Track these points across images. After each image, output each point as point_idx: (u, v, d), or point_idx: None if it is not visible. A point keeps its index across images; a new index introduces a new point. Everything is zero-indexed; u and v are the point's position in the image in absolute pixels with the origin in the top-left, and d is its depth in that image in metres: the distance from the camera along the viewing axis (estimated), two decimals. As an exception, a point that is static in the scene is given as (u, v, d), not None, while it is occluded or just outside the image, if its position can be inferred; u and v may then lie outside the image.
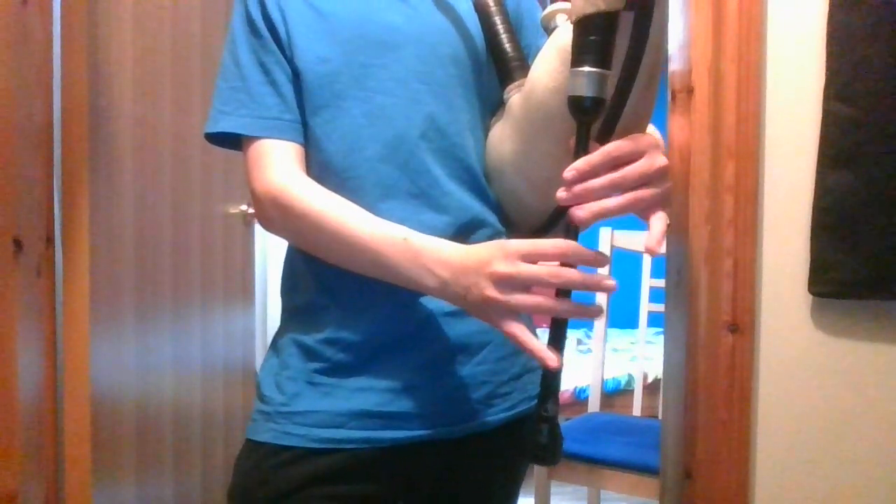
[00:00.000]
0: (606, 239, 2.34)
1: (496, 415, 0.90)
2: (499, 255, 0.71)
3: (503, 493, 0.98)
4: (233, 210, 2.04)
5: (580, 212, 0.69)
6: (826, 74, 1.16)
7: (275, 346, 0.92)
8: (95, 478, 1.29)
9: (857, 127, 1.13)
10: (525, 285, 0.70)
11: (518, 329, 0.71)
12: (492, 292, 0.70)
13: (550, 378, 0.73)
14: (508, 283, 0.70)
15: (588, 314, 0.71)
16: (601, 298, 2.32)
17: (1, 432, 1.09)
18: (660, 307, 1.99)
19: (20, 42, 1.12)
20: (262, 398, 0.89)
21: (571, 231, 0.70)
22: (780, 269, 1.21)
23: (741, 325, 1.21)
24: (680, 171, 1.26)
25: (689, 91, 1.23)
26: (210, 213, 1.89)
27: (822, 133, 1.17)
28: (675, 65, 1.28)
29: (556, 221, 0.84)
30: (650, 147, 0.71)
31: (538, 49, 0.90)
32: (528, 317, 0.84)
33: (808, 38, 1.19)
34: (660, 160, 0.71)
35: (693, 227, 1.23)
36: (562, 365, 0.71)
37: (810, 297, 1.20)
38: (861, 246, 1.14)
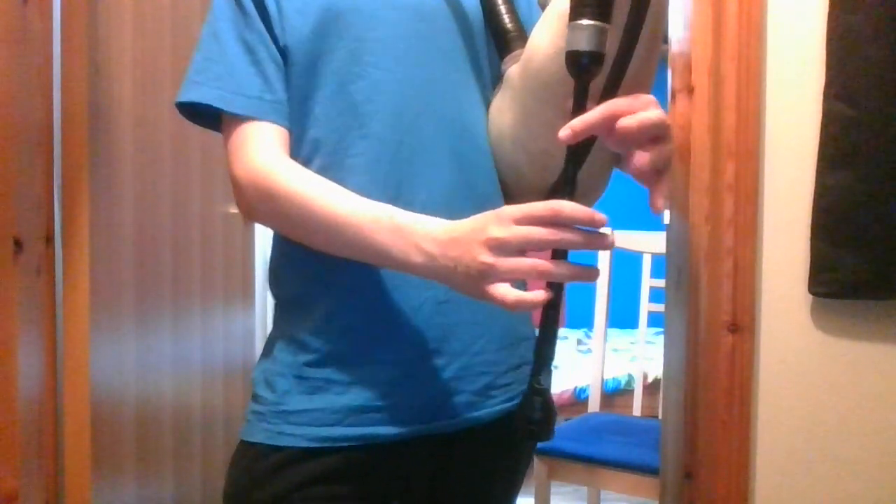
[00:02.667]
0: (606, 239, 2.33)
1: (495, 406, 0.88)
2: (492, 220, 0.68)
3: (503, 486, 0.96)
4: (233, 210, 2.04)
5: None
6: (826, 74, 1.16)
7: (267, 341, 0.91)
8: (95, 478, 1.29)
9: (857, 127, 1.13)
10: (521, 249, 0.68)
11: (507, 290, 0.68)
12: (487, 257, 0.68)
13: (544, 349, 0.70)
14: (504, 247, 0.67)
15: (587, 276, 0.67)
16: (601, 298, 2.32)
17: (1, 432, 1.09)
18: (660, 307, 1.99)
19: (20, 42, 1.12)
20: (255, 398, 0.87)
21: (564, 193, 0.68)
22: (780, 269, 1.21)
23: (741, 325, 1.21)
24: (680, 171, 1.26)
25: (689, 91, 1.23)
26: (210, 213, 1.89)
27: (822, 133, 1.17)
28: (675, 65, 1.28)
29: (555, 196, 0.83)
30: (650, 104, 0.67)
31: (533, 25, 0.89)
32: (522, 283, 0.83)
33: (808, 38, 1.19)
34: (659, 113, 0.67)
35: (693, 227, 1.23)
36: (557, 329, 0.69)
37: (810, 297, 1.20)
38: (861, 246, 1.14)
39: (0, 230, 1.09)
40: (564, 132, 0.66)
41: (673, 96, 1.27)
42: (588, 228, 0.67)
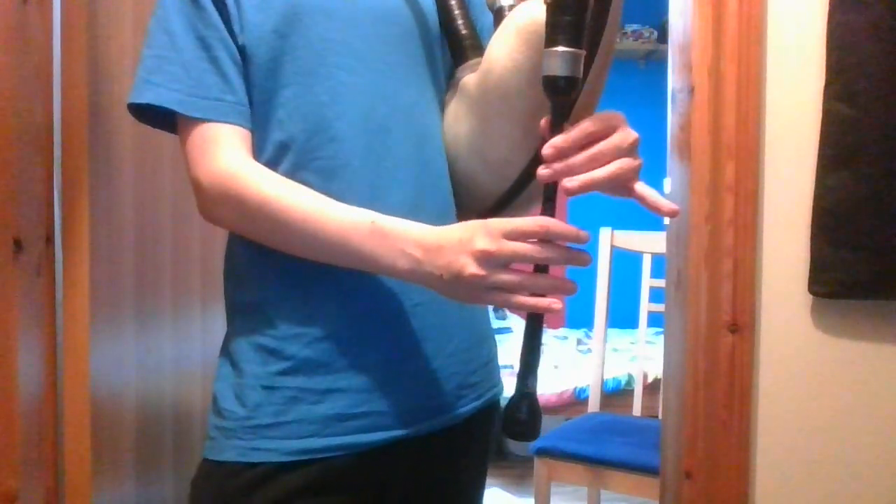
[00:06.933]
0: (606, 239, 2.34)
1: (467, 405, 0.89)
2: (481, 232, 0.70)
3: (473, 484, 0.96)
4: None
5: (571, 183, 0.70)
6: (826, 74, 1.16)
7: (227, 352, 0.85)
8: (95, 478, 1.29)
9: (857, 127, 1.13)
10: (507, 262, 0.70)
11: (505, 297, 0.71)
12: (475, 269, 0.69)
13: (531, 354, 0.73)
14: (491, 260, 0.69)
15: (568, 288, 0.71)
16: (601, 298, 2.32)
17: (1, 432, 1.09)
18: (660, 307, 1.99)
19: (20, 42, 1.12)
20: (219, 412, 0.82)
21: (547, 210, 0.71)
22: (780, 269, 1.21)
23: (741, 325, 1.21)
24: (680, 171, 1.26)
25: (689, 91, 1.23)
26: (210, 213, 1.88)
27: (822, 133, 1.17)
28: (675, 65, 1.28)
29: (507, 202, 0.85)
30: (621, 122, 0.72)
31: (483, 27, 0.90)
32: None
33: (808, 38, 1.19)
34: (632, 134, 0.72)
35: (693, 227, 1.23)
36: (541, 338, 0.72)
37: (810, 297, 1.20)
38: (861, 246, 1.14)
39: (0, 230, 1.09)
40: (548, 150, 0.70)
41: (672, 96, 1.27)
42: (573, 245, 0.70)
